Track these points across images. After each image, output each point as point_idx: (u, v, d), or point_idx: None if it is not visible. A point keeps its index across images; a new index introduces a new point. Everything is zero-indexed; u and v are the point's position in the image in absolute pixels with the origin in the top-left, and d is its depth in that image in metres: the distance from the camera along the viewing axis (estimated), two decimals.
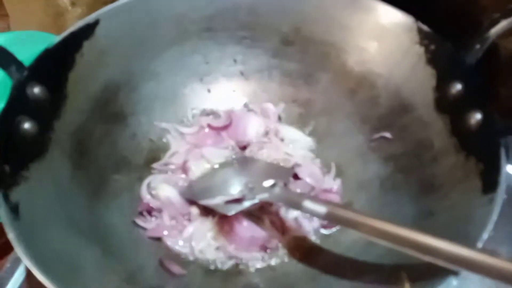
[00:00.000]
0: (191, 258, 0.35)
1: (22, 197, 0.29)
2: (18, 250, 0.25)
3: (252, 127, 0.43)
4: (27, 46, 0.45)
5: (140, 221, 0.37)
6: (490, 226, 0.27)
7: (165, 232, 0.36)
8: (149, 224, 0.37)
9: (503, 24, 0.35)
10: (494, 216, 0.28)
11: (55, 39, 0.43)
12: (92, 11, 0.60)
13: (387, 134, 0.40)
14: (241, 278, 0.35)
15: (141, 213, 0.38)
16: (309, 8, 0.43)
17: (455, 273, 0.26)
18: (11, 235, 0.25)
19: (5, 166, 0.29)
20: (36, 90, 0.34)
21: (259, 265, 0.35)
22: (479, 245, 0.26)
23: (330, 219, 0.33)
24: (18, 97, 0.33)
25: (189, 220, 0.37)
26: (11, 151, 0.30)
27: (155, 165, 0.41)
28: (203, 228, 0.37)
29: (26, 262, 0.24)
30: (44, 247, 0.27)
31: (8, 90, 0.41)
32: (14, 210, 0.27)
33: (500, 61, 0.51)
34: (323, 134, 0.44)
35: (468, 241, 0.27)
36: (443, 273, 0.26)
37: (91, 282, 0.29)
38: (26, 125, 0.32)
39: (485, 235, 0.27)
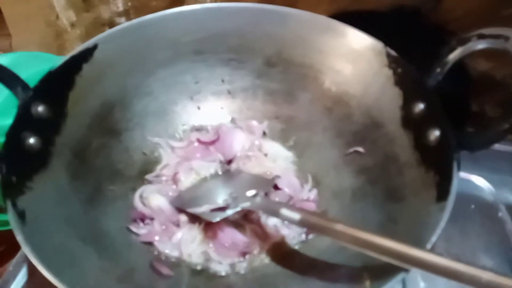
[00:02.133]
0: (179, 261, 0.39)
1: (28, 205, 0.32)
2: (26, 250, 0.28)
3: (238, 142, 0.47)
4: (29, 66, 0.50)
5: (133, 228, 0.40)
6: (439, 230, 0.31)
7: (156, 238, 0.40)
8: (142, 230, 0.40)
9: (459, 51, 0.38)
10: (443, 222, 0.31)
11: (57, 62, 0.47)
12: (90, 32, 0.65)
13: (360, 149, 0.44)
14: (224, 279, 0.38)
15: (134, 220, 0.41)
16: (289, 34, 0.47)
17: (406, 270, 0.29)
18: (19, 238, 0.29)
19: (13, 177, 0.33)
20: (40, 108, 0.37)
21: (239, 268, 0.39)
22: (428, 246, 0.30)
23: (303, 225, 0.36)
24: (23, 115, 0.36)
25: (178, 226, 0.41)
26: (17, 164, 0.34)
27: (147, 177, 0.45)
28: (190, 234, 0.40)
29: (33, 260, 0.28)
30: (47, 247, 0.31)
31: (12, 107, 0.46)
32: (21, 216, 0.31)
33: (470, 80, 0.56)
34: (303, 147, 0.48)
35: (420, 243, 0.31)
36: (396, 270, 0.29)
37: (88, 279, 0.32)
38: (31, 140, 0.36)
39: (434, 238, 0.30)
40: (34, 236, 0.30)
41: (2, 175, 0.32)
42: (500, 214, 0.50)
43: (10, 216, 0.30)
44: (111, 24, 0.63)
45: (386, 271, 0.30)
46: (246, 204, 0.39)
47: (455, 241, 0.47)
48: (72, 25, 0.64)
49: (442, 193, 0.34)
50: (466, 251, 0.47)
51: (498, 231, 0.49)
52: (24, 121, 0.36)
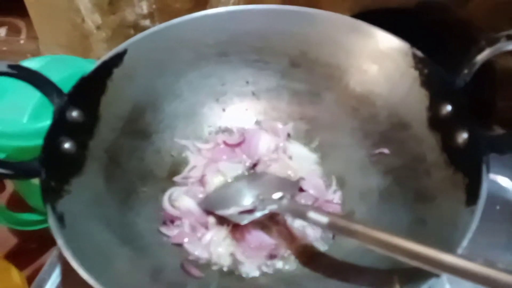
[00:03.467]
0: (209, 262, 0.40)
1: (66, 208, 0.33)
2: (67, 254, 0.30)
3: (263, 144, 0.47)
4: (59, 70, 0.51)
5: (164, 229, 0.41)
6: (469, 235, 0.31)
7: (186, 239, 0.41)
8: (172, 232, 0.41)
9: (487, 52, 0.38)
10: (474, 226, 0.31)
11: (86, 65, 0.48)
12: (115, 35, 0.66)
13: (385, 150, 0.44)
14: (253, 281, 0.39)
15: (164, 222, 0.42)
16: (315, 34, 0.47)
17: (437, 276, 0.29)
18: (60, 241, 0.30)
19: (51, 182, 0.34)
20: (74, 113, 0.39)
21: (267, 269, 0.40)
22: (459, 251, 0.30)
23: (331, 229, 0.37)
24: (59, 121, 0.37)
25: (207, 228, 0.42)
26: (55, 169, 0.35)
27: (176, 178, 0.46)
28: (219, 235, 0.41)
29: (73, 263, 0.29)
30: (86, 250, 0.32)
31: (45, 110, 0.47)
32: (60, 219, 0.32)
33: (496, 76, 0.55)
34: (328, 148, 0.48)
35: (451, 247, 0.31)
36: (427, 275, 0.30)
37: (123, 276, 0.34)
38: (66, 145, 0.37)
39: (465, 243, 0.30)
40: (73, 239, 0.32)
41: (41, 180, 0.34)
42: None
43: (51, 220, 0.31)
44: (136, 26, 0.64)
45: (417, 275, 0.30)
46: (273, 207, 0.39)
47: (480, 242, 0.46)
48: (98, 27, 0.66)
49: (472, 196, 0.34)
50: (492, 253, 0.46)
51: None
52: (60, 126, 0.37)
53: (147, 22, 0.63)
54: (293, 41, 0.48)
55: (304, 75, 0.49)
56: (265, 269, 0.40)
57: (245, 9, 0.48)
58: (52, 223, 0.31)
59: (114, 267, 0.34)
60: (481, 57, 0.38)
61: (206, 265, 0.40)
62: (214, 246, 0.40)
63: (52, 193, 0.34)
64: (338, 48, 0.47)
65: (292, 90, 0.50)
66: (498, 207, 0.50)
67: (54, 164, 0.35)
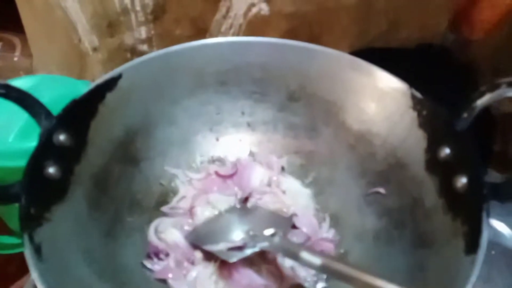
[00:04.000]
0: None
1: (44, 238, 0.31)
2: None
3: (256, 177, 0.46)
4: (50, 90, 0.50)
5: (147, 263, 0.39)
6: (470, 286, 0.29)
7: (170, 275, 0.39)
8: (156, 266, 0.39)
9: (488, 97, 0.38)
10: (474, 277, 0.30)
11: (78, 86, 0.47)
12: (112, 58, 0.65)
13: (382, 190, 0.43)
14: None
15: (149, 255, 0.40)
16: (314, 69, 0.47)
17: None
18: (34, 275, 0.28)
19: (31, 208, 0.32)
20: (62, 137, 0.37)
21: None
22: None
23: (324, 271, 0.35)
24: (45, 144, 0.36)
25: (193, 264, 0.40)
26: (37, 195, 0.33)
27: (163, 209, 0.44)
28: (205, 272, 0.39)
29: None
30: (62, 284, 0.30)
31: (32, 130, 0.45)
32: (37, 250, 0.30)
33: (494, 120, 0.55)
34: (323, 184, 0.47)
35: None
36: None
37: None
38: (51, 170, 0.35)
39: None
40: (50, 272, 0.29)
41: (21, 206, 0.32)
42: None
43: (27, 251, 0.29)
44: (133, 50, 0.63)
45: None
46: (264, 245, 0.38)
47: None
48: (94, 49, 0.65)
49: (471, 244, 0.33)
50: None
51: None
52: (45, 150, 0.35)
53: (145, 47, 0.63)
54: (293, 74, 0.48)
55: (302, 109, 0.49)
56: None
57: (246, 40, 0.47)
58: (28, 254, 0.29)
59: None
60: (481, 102, 0.38)
61: None
62: (200, 283, 0.38)
63: (31, 221, 0.32)
64: (337, 85, 0.47)
65: (288, 123, 0.49)
66: (493, 252, 0.49)
67: (36, 190, 0.33)
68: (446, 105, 0.41)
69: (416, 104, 0.42)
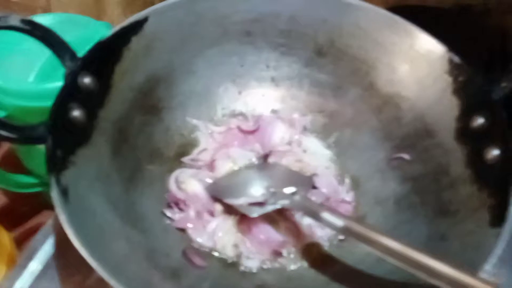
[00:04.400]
0: (212, 252, 0.38)
1: (70, 181, 0.31)
2: (69, 232, 0.28)
3: (278, 134, 0.45)
4: (70, 29, 0.48)
5: (167, 212, 0.40)
6: (493, 260, 0.29)
7: (190, 225, 0.39)
8: (176, 215, 0.40)
9: None
10: (498, 250, 0.30)
11: (103, 31, 0.46)
12: (132, 0, 0.63)
13: (406, 156, 0.42)
14: (256, 276, 0.37)
15: (169, 205, 0.40)
16: (347, 23, 0.45)
17: None
18: (62, 217, 0.28)
19: (58, 150, 0.32)
20: (86, 80, 0.36)
21: (271, 266, 0.38)
22: (481, 274, 0.29)
23: (345, 233, 0.35)
24: (70, 85, 0.35)
25: (213, 215, 0.40)
26: (63, 137, 0.33)
27: (184, 159, 0.44)
28: (225, 225, 0.39)
29: (76, 243, 0.27)
30: (87, 227, 0.30)
31: (53, 71, 0.44)
32: (64, 193, 0.30)
33: None
34: (345, 146, 0.46)
35: (473, 269, 0.29)
36: None
37: (122, 257, 0.32)
38: (75, 113, 0.35)
39: (487, 266, 0.29)
40: (76, 215, 0.29)
41: (47, 148, 0.31)
42: None
43: (54, 193, 0.29)
44: None
45: None
46: (285, 202, 0.38)
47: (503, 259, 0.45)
48: None
49: (497, 218, 0.32)
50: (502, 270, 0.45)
51: None
52: (71, 92, 0.35)
53: None
54: (323, 28, 0.46)
55: (329, 65, 0.47)
56: (268, 265, 0.38)
57: None
58: (55, 196, 0.29)
59: (113, 248, 0.32)
60: None
61: (209, 255, 0.38)
62: (219, 235, 0.38)
63: (57, 163, 0.31)
64: (369, 42, 0.45)
65: (314, 80, 0.48)
66: None
67: (61, 132, 0.33)
68: (482, 71, 0.40)
69: (453, 69, 0.40)
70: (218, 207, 0.40)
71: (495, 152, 0.36)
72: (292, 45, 0.47)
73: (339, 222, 0.34)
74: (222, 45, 0.46)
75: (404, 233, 0.37)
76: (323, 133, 0.47)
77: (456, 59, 0.40)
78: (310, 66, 0.47)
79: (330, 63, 0.47)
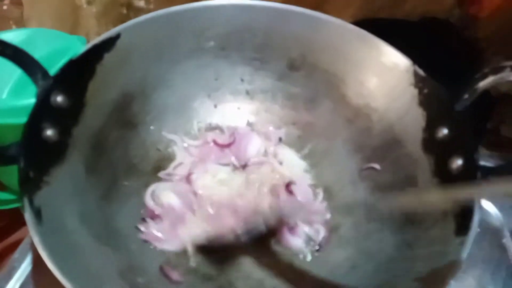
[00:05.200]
0: (190, 267, 0.39)
1: (44, 201, 0.31)
2: (43, 254, 0.28)
3: (253, 147, 0.46)
4: (42, 45, 0.48)
5: (141, 226, 0.40)
6: (459, 267, 0.31)
7: (162, 236, 0.39)
8: (149, 229, 0.40)
9: (490, 80, 0.38)
10: (463, 258, 0.31)
11: (76, 45, 0.45)
12: (107, 12, 0.63)
13: (376, 166, 0.44)
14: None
15: (144, 219, 0.41)
16: (317, 39, 0.46)
17: None
18: (36, 239, 0.28)
19: (30, 171, 0.32)
20: (59, 98, 0.36)
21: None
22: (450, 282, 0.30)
23: None
24: (43, 105, 0.35)
25: (185, 223, 0.40)
26: (36, 157, 0.33)
27: (160, 174, 0.44)
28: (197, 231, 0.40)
29: (49, 264, 0.27)
30: (61, 247, 0.30)
31: (26, 87, 0.44)
32: (37, 214, 0.30)
33: (490, 99, 0.55)
34: (319, 157, 0.48)
35: (440, 278, 0.31)
36: None
37: (97, 276, 0.32)
38: (48, 132, 0.35)
39: (454, 274, 0.30)
40: (50, 235, 0.30)
41: (20, 169, 0.31)
42: (504, 240, 0.50)
43: (27, 215, 0.29)
44: (129, 5, 0.61)
45: None
46: None
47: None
48: (89, 2, 0.62)
49: (462, 226, 0.34)
50: (470, 274, 0.47)
51: (501, 256, 0.49)
52: (43, 111, 0.35)
53: (141, 3, 0.60)
54: (295, 42, 0.47)
55: (302, 79, 0.48)
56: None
57: (249, 4, 0.46)
58: (28, 218, 0.29)
59: (87, 266, 0.32)
60: (483, 84, 0.38)
61: (187, 270, 0.38)
62: (191, 244, 0.39)
63: (30, 184, 0.31)
64: (339, 56, 0.46)
65: (287, 93, 0.49)
66: (479, 230, 0.50)
67: (34, 152, 0.33)
68: (446, 82, 0.41)
69: (418, 82, 0.42)
70: (191, 217, 0.41)
71: (459, 162, 0.37)
72: (266, 59, 0.48)
73: None
74: (196, 59, 0.46)
75: (374, 242, 0.38)
76: (297, 144, 0.49)
77: (421, 72, 0.42)
78: (284, 80, 0.49)
79: (303, 77, 0.48)
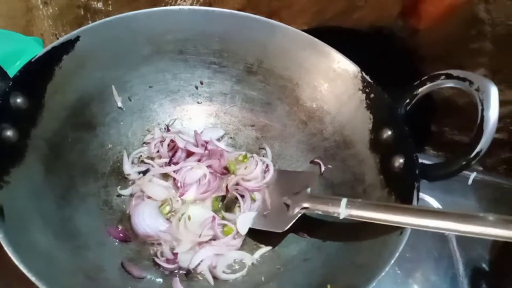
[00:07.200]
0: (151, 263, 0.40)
1: (5, 200, 0.31)
2: (8, 249, 0.28)
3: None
4: None
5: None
6: (397, 253, 0.34)
7: None
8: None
9: (428, 86, 0.42)
10: (401, 246, 0.34)
11: (32, 46, 0.45)
12: (63, 13, 0.62)
13: (328, 165, 0.47)
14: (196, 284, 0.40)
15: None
16: (273, 45, 0.49)
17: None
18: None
19: None
20: (18, 100, 0.36)
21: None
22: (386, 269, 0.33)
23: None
24: (2, 106, 0.35)
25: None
26: None
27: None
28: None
29: (15, 259, 0.28)
30: (24, 245, 0.31)
31: None
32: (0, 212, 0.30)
33: (432, 104, 0.60)
34: (275, 158, 0.50)
35: (382, 262, 0.34)
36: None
37: (62, 274, 0.33)
38: (8, 133, 0.35)
39: (392, 260, 0.33)
40: (13, 233, 0.30)
41: None
42: (446, 233, 0.54)
43: None
44: (86, 7, 0.61)
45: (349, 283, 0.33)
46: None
47: (405, 256, 0.51)
48: (45, 3, 0.62)
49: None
50: (415, 265, 0.51)
51: (443, 248, 0.53)
52: (3, 113, 0.35)
53: (99, 5, 0.60)
54: (251, 48, 0.49)
55: (259, 83, 0.51)
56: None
57: (206, 10, 0.48)
58: None
59: (51, 262, 0.33)
60: (421, 90, 0.42)
61: (148, 266, 0.39)
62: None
63: None
64: (293, 62, 0.49)
65: (245, 96, 0.51)
66: None
67: None
68: (391, 88, 0.45)
69: (366, 87, 0.45)
70: None
71: (400, 160, 0.41)
72: (224, 63, 0.50)
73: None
74: (155, 62, 0.48)
75: (324, 231, 0.41)
76: (255, 145, 0.51)
77: (368, 78, 0.45)
78: (242, 84, 0.51)
79: (260, 81, 0.51)
